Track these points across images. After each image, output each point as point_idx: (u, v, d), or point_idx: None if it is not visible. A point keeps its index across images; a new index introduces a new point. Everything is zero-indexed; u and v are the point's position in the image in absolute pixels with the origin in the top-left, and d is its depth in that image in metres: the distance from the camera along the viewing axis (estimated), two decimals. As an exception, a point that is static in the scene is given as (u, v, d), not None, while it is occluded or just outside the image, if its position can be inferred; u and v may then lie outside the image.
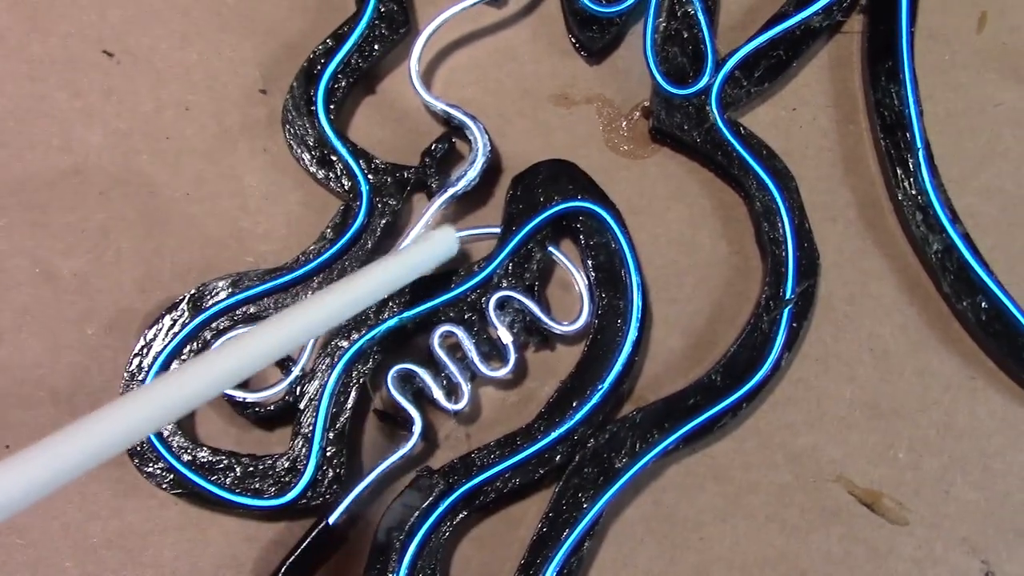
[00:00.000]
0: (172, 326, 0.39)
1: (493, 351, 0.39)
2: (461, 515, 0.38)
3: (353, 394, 0.39)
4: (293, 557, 0.37)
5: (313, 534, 0.37)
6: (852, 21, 0.44)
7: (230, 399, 0.38)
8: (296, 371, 0.39)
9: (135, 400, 0.27)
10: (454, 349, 0.39)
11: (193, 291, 0.39)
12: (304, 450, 0.38)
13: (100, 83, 0.43)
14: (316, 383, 0.39)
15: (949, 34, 0.44)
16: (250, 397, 0.38)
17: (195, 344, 0.39)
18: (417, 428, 0.38)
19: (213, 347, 0.38)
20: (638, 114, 0.43)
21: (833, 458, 0.40)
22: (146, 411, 0.27)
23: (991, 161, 0.42)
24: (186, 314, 0.39)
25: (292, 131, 0.41)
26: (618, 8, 0.42)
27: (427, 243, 0.35)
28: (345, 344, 0.39)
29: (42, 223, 0.41)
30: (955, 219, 0.41)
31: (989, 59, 0.43)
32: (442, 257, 0.35)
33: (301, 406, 0.38)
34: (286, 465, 0.38)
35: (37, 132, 0.42)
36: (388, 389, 0.39)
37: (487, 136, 0.41)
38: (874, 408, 0.40)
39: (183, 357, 0.39)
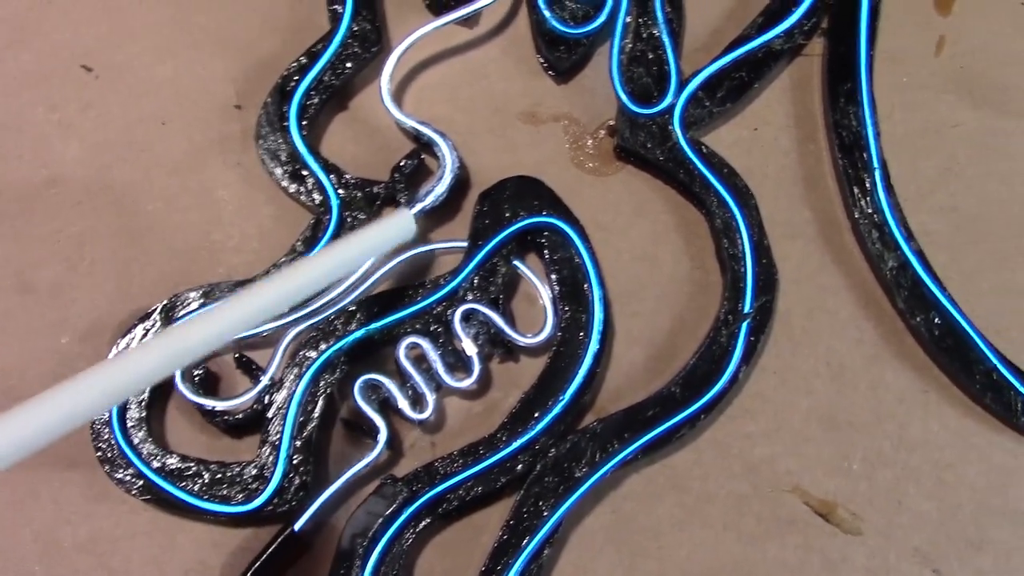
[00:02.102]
0: (144, 336, 0.40)
1: (458, 362, 0.40)
2: (424, 522, 0.39)
3: (320, 403, 0.39)
4: (259, 563, 0.37)
5: (279, 540, 0.38)
6: (813, 44, 0.45)
7: (200, 407, 0.39)
8: (265, 380, 0.39)
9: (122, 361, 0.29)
10: (420, 360, 0.40)
11: (165, 301, 0.40)
12: (271, 458, 0.39)
13: (77, 97, 0.43)
14: (284, 392, 0.39)
15: (908, 57, 0.45)
16: (219, 405, 0.39)
17: (166, 353, 0.40)
18: (382, 437, 0.39)
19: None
20: (603, 132, 0.44)
21: (789, 469, 0.41)
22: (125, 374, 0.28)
23: (946, 181, 0.44)
24: (158, 324, 0.40)
25: (265, 146, 0.42)
26: (585, 29, 0.43)
27: (385, 224, 0.36)
28: (313, 354, 0.40)
29: (18, 234, 0.42)
30: (910, 237, 0.42)
31: (947, 81, 0.45)
32: (400, 238, 0.36)
33: (269, 415, 0.39)
34: (254, 472, 0.39)
35: (13, 145, 0.43)
36: (354, 399, 0.39)
37: (456, 153, 0.42)
38: (830, 420, 0.41)
39: (154, 366, 0.39)
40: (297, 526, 0.38)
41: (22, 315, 0.41)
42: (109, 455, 0.39)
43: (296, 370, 0.40)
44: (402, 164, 0.42)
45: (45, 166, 0.43)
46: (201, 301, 0.40)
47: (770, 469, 0.41)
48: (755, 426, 0.41)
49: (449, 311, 0.40)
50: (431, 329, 0.40)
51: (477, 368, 0.40)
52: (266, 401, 0.39)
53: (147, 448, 0.39)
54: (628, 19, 0.44)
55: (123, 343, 0.40)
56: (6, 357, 0.41)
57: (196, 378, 0.39)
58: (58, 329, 0.41)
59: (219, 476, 0.39)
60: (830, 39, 0.45)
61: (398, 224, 0.36)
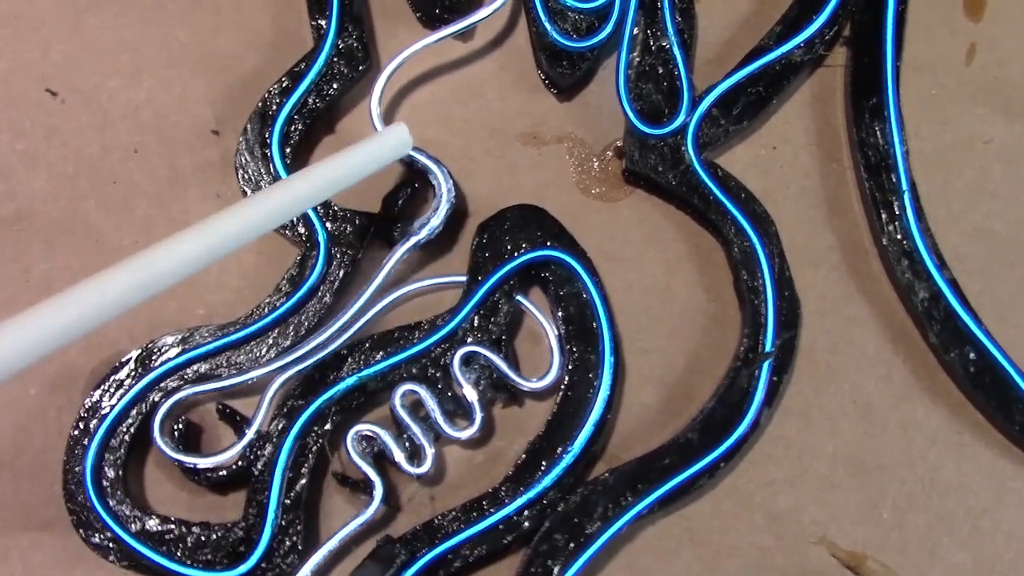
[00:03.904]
0: (119, 386, 0.37)
1: (458, 409, 0.38)
2: (425, 585, 0.36)
3: (310, 457, 0.37)
4: (247, 632, 0.35)
5: (268, 607, 0.35)
6: (835, 54, 0.42)
7: (180, 464, 0.36)
8: (250, 433, 0.37)
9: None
10: (417, 407, 0.37)
11: (141, 349, 0.37)
12: (259, 518, 0.36)
13: (43, 123, 0.40)
14: (271, 446, 0.37)
15: (936, 66, 0.42)
16: (201, 463, 0.36)
17: (143, 406, 0.37)
18: (378, 493, 0.36)
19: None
20: (611, 154, 0.41)
21: (815, 518, 0.38)
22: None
23: (979, 200, 0.41)
24: (134, 373, 0.37)
25: (246, 175, 0.39)
26: (590, 42, 0.40)
27: (381, 137, 0.33)
28: (302, 404, 0.37)
29: (-23, 274, 0.39)
30: (942, 265, 0.39)
31: (978, 93, 0.42)
32: (396, 153, 0.33)
33: (256, 470, 0.36)
34: (240, 535, 0.36)
35: (-25, 176, 0.40)
36: (347, 452, 0.37)
37: (452, 181, 0.38)
38: (858, 464, 0.38)
39: (129, 420, 0.37)
40: (288, 591, 0.36)
41: (-12, 364, 0.38)
42: (84, 518, 0.36)
43: (284, 421, 0.37)
44: (394, 194, 0.39)
45: (11, 199, 0.40)
46: (180, 348, 0.37)
47: (794, 519, 0.38)
48: (778, 472, 0.38)
49: (448, 354, 0.37)
50: (428, 374, 0.37)
51: (479, 416, 0.37)
52: (252, 456, 0.37)
53: (124, 510, 0.36)
54: (635, 30, 0.40)
55: (96, 394, 0.37)
56: (-27, 411, 0.38)
57: (176, 432, 0.37)
58: (26, 378, 0.38)
59: (203, 539, 0.36)
60: (853, 48, 0.41)
61: (394, 137, 0.33)
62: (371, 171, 0.32)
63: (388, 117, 0.40)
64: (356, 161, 0.31)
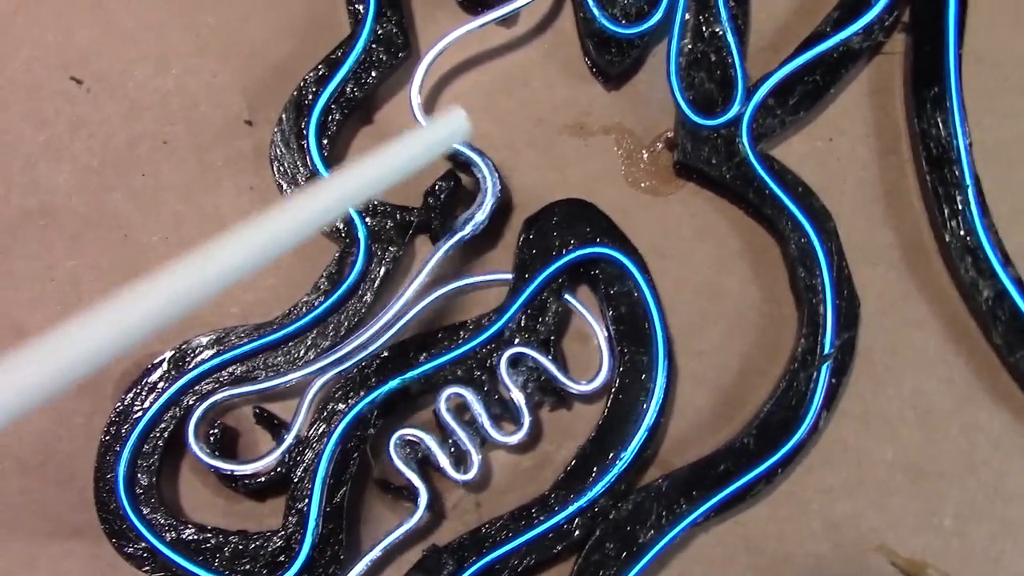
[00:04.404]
0: (152, 388, 0.35)
1: (505, 413, 0.36)
2: (472, 596, 0.35)
3: (352, 463, 0.35)
4: (288, 646, 0.34)
5: (310, 620, 0.34)
6: (894, 41, 0.40)
7: (217, 471, 0.35)
8: (289, 438, 0.35)
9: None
10: (462, 410, 0.36)
11: (174, 350, 0.36)
12: (299, 527, 0.35)
13: (68, 114, 0.39)
14: (311, 452, 0.35)
15: (999, 57, 0.40)
16: (239, 469, 0.35)
17: (177, 409, 0.35)
18: (423, 500, 0.35)
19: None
20: (661, 145, 0.39)
21: (874, 526, 0.37)
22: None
23: (1044, 195, 0.39)
24: (167, 376, 0.35)
25: (281, 168, 0.37)
26: (639, 28, 0.38)
27: (437, 125, 0.32)
28: (343, 408, 0.35)
29: (5, 271, 0.37)
30: (1007, 262, 0.37)
31: (1041, 84, 0.40)
32: (453, 140, 0.32)
33: (295, 477, 0.35)
34: (279, 544, 0.35)
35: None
36: (390, 457, 0.35)
37: (496, 174, 0.37)
38: (918, 470, 0.37)
39: (163, 425, 0.35)
40: (330, 602, 0.34)
41: (13, 364, 0.37)
42: (117, 527, 0.34)
43: (324, 426, 0.35)
44: (436, 188, 0.37)
45: (34, 193, 0.38)
46: (214, 349, 0.36)
47: (853, 526, 0.37)
48: (835, 478, 0.37)
49: (494, 355, 0.36)
50: (474, 376, 0.36)
51: (527, 420, 0.35)
52: (291, 462, 0.35)
53: (159, 518, 0.35)
54: (687, 16, 0.39)
55: (127, 398, 0.35)
56: None
57: (212, 438, 0.35)
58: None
59: (240, 548, 0.35)
60: (913, 36, 0.40)
61: (451, 124, 0.32)
62: (427, 160, 0.31)
63: (428, 107, 0.38)
64: (411, 150, 0.30)
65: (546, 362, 0.36)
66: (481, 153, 0.37)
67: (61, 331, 0.23)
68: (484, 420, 0.35)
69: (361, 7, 0.38)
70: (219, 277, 0.26)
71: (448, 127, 0.31)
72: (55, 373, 0.23)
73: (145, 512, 0.34)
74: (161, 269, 0.25)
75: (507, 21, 0.39)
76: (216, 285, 0.26)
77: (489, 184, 0.37)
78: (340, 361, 0.36)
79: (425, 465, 0.36)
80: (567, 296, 0.37)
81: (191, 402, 0.35)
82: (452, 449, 0.35)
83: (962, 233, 0.37)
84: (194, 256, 0.25)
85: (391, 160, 0.29)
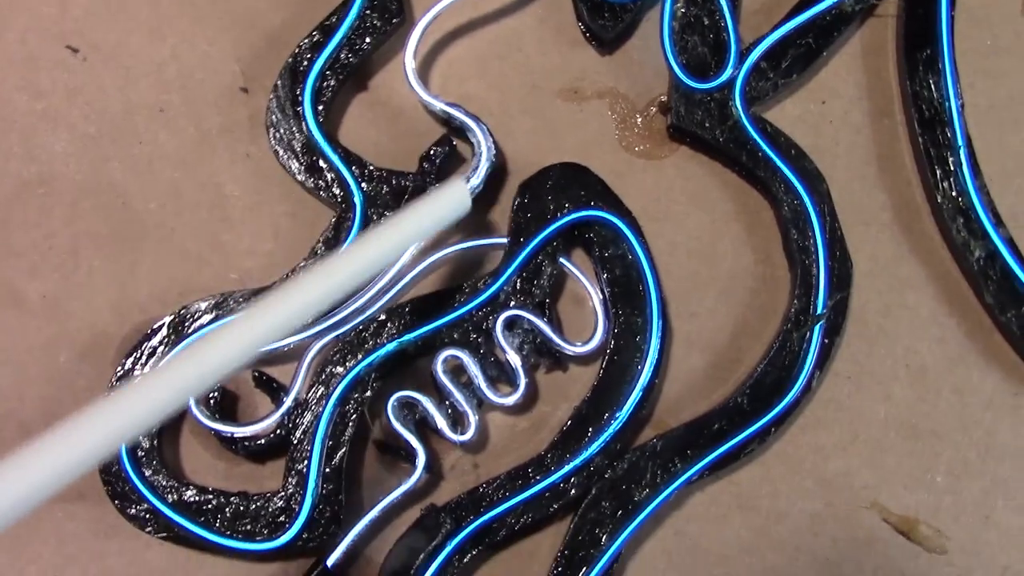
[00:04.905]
0: (153, 353, 0.36)
1: (501, 375, 0.36)
2: (470, 555, 0.35)
3: (351, 425, 0.36)
4: (290, 604, 0.34)
5: (311, 578, 0.34)
6: (887, 3, 0.40)
7: (217, 433, 0.35)
8: (288, 401, 0.35)
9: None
10: (459, 372, 0.36)
11: (174, 314, 0.36)
12: (299, 488, 0.35)
13: (64, 82, 0.39)
14: (310, 414, 0.35)
15: (991, 18, 0.40)
16: (239, 432, 0.35)
17: (177, 374, 0.36)
18: (421, 461, 0.35)
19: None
20: (654, 109, 0.39)
21: (867, 483, 0.37)
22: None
23: (1035, 156, 0.39)
24: (168, 340, 0.36)
25: (277, 135, 0.37)
26: (633, -7, 0.38)
27: (437, 198, 0.33)
28: (341, 371, 0.36)
29: (4, 240, 0.38)
30: (998, 223, 0.38)
31: (1034, 44, 0.40)
32: (454, 215, 0.32)
33: (294, 439, 0.35)
34: (280, 504, 0.35)
35: (-3, 138, 0.38)
36: (388, 419, 0.36)
37: (491, 139, 0.37)
38: (911, 428, 0.37)
39: (164, 389, 0.35)
40: (330, 561, 0.35)
41: (15, 331, 0.37)
42: (120, 490, 0.35)
43: (322, 388, 0.36)
44: (431, 153, 0.37)
45: (32, 162, 0.38)
46: (213, 313, 0.36)
47: (846, 484, 0.37)
48: (828, 437, 0.37)
49: (490, 318, 0.36)
50: (470, 339, 0.36)
51: (523, 381, 0.36)
52: (291, 424, 0.35)
53: (161, 480, 0.35)
54: (680, -20, 0.39)
55: (128, 362, 0.36)
56: (1, 378, 0.37)
57: (212, 401, 0.35)
58: (55, 346, 0.37)
59: (242, 509, 0.35)
60: (906, -2, 0.40)
61: (451, 198, 0.32)
62: (429, 235, 0.32)
63: (423, 73, 0.39)
64: (411, 228, 0.31)
65: (542, 324, 0.36)
66: (476, 118, 0.37)
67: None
68: (481, 382, 0.36)
69: (355, -27, 0.38)
70: (231, 364, 0.26)
71: (449, 201, 0.32)
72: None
73: (147, 474, 0.35)
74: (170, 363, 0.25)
75: (501, -14, 0.39)
76: (228, 372, 0.26)
77: (484, 149, 0.37)
78: (338, 325, 0.36)
79: (423, 426, 0.36)
80: (562, 259, 0.37)
81: (191, 366, 0.36)
82: (449, 411, 0.36)
83: (954, 194, 0.38)
84: (208, 343, 0.26)
85: (392, 238, 0.30)
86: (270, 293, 0.29)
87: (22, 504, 0.25)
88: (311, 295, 0.29)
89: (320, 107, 0.37)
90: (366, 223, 0.37)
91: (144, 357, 0.36)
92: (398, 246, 0.32)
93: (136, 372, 0.35)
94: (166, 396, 0.26)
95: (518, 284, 0.37)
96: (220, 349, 0.27)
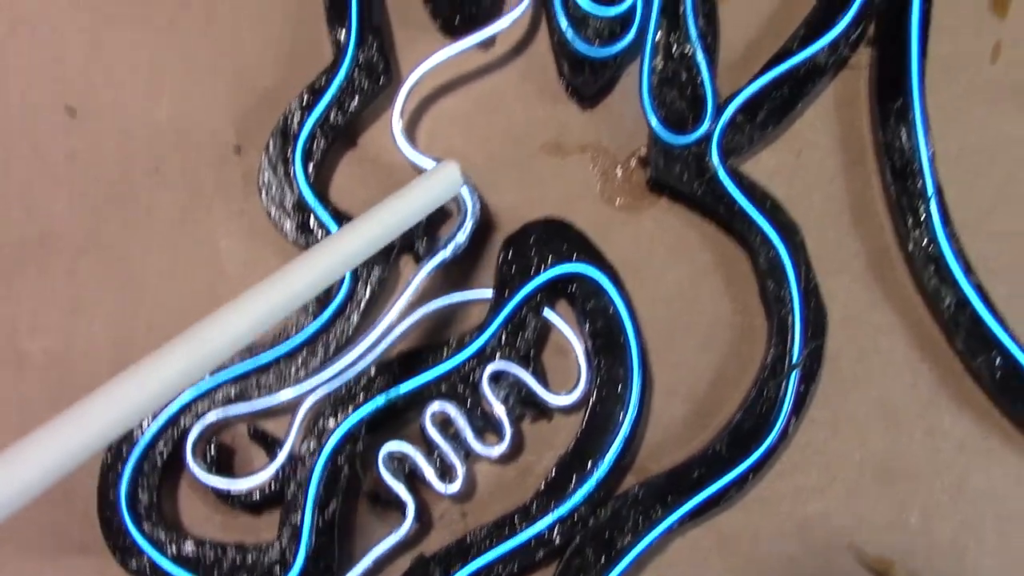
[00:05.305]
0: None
1: (487, 426, 0.38)
2: (459, 602, 0.36)
3: (342, 477, 0.37)
4: (286, 652, 0.35)
5: (306, 627, 0.36)
6: (859, 54, 0.41)
7: (214, 489, 0.36)
8: (282, 456, 0.37)
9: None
10: (446, 424, 0.38)
11: (170, 372, 0.37)
12: (293, 540, 0.36)
13: (62, 142, 0.40)
14: (303, 467, 0.37)
15: (962, 65, 0.41)
16: (234, 488, 0.36)
17: (175, 429, 0.37)
18: (411, 512, 0.37)
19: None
20: (635, 163, 0.41)
21: (843, 525, 0.38)
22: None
23: (1005, 202, 0.40)
24: (164, 397, 0.37)
25: (270, 195, 0.39)
26: (612, 50, 0.39)
27: (430, 178, 0.34)
28: (332, 424, 0.37)
29: (6, 298, 0.39)
30: (968, 270, 0.39)
31: (1003, 91, 0.41)
32: (447, 193, 0.33)
33: (289, 492, 0.37)
34: (275, 556, 0.36)
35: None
36: (379, 471, 0.37)
37: (476, 196, 0.38)
38: (885, 471, 0.39)
39: (160, 446, 0.37)
40: (324, 610, 0.36)
41: (17, 387, 0.38)
42: (120, 543, 0.36)
43: (315, 442, 0.37)
44: (418, 210, 0.38)
45: (33, 221, 0.40)
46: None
47: (823, 526, 0.38)
48: (806, 480, 0.39)
49: (476, 371, 0.37)
50: (458, 391, 0.38)
51: (509, 433, 0.37)
52: (284, 478, 0.37)
53: (160, 534, 0.36)
54: (658, 37, 0.40)
55: (128, 418, 0.37)
56: (3, 438, 0.38)
57: (208, 456, 0.37)
58: (57, 403, 0.38)
59: (238, 561, 0.36)
60: (878, 49, 0.41)
61: (443, 177, 0.33)
62: (423, 215, 0.32)
63: (410, 130, 0.40)
64: (406, 206, 0.31)
65: (527, 377, 0.37)
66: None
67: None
68: (468, 434, 0.37)
69: (343, 34, 0.39)
70: (222, 349, 0.27)
71: (441, 180, 0.32)
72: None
73: (146, 528, 0.36)
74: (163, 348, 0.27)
75: (485, 44, 0.40)
76: (219, 357, 0.27)
77: (469, 207, 0.38)
78: (330, 380, 0.37)
79: (412, 478, 0.37)
80: (546, 311, 0.39)
81: (188, 422, 0.37)
82: (438, 462, 0.37)
83: (925, 243, 0.39)
84: (202, 327, 0.27)
85: (387, 218, 0.31)
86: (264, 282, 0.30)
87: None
88: (308, 276, 0.30)
89: (310, 166, 0.39)
90: (356, 280, 0.38)
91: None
92: (394, 226, 0.32)
93: (135, 429, 0.37)
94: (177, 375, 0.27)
95: (503, 337, 0.38)
96: (230, 324, 0.28)
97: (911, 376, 0.39)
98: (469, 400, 0.38)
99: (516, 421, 0.38)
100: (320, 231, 0.38)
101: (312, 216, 0.38)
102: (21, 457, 0.25)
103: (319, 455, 0.37)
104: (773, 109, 0.40)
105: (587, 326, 0.38)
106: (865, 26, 0.40)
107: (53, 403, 0.38)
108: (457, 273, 0.39)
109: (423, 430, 0.37)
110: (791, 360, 0.38)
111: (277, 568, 0.36)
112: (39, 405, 0.38)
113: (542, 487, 0.37)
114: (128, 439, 0.37)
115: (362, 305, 0.38)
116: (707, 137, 0.39)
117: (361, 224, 0.30)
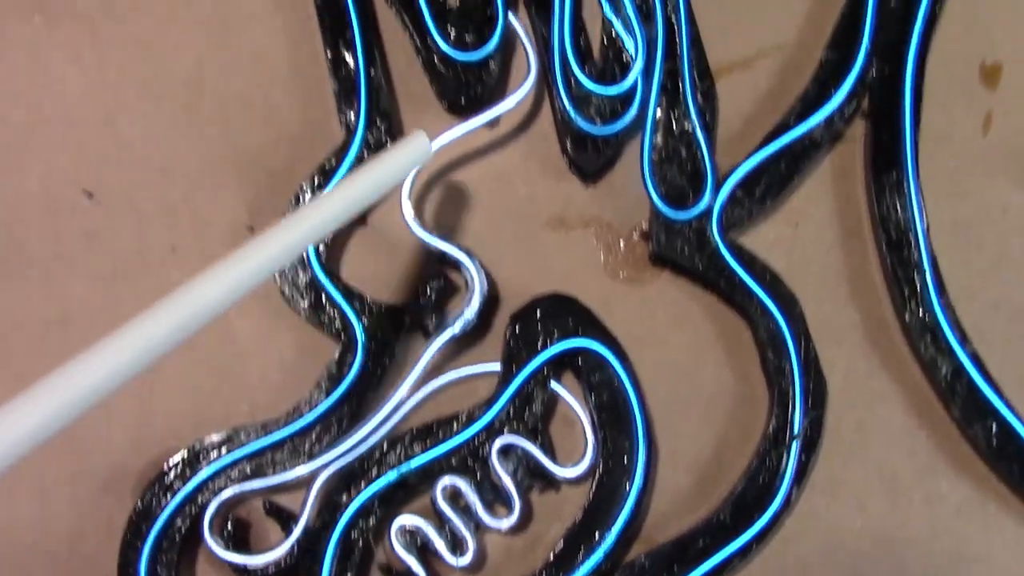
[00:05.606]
0: (169, 488, 0.38)
1: (497, 498, 0.39)
2: (471, 674, 0.37)
3: (356, 551, 0.38)
4: None
5: None
6: (855, 127, 0.42)
7: (232, 564, 0.37)
8: (297, 531, 0.38)
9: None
10: (457, 496, 0.39)
11: (187, 449, 0.38)
12: (309, 614, 0.37)
13: (80, 225, 0.41)
14: (318, 541, 0.38)
15: (954, 137, 0.42)
16: (251, 563, 0.37)
17: (192, 507, 0.38)
18: (423, 584, 0.38)
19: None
20: (637, 237, 0.42)
21: (845, 591, 0.39)
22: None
23: (999, 271, 0.41)
24: (182, 474, 0.38)
25: (283, 273, 0.40)
26: (613, 128, 0.41)
27: (400, 149, 0.34)
28: (346, 499, 0.38)
29: (26, 376, 0.40)
30: (964, 340, 0.40)
31: (995, 162, 0.42)
32: (417, 162, 0.34)
33: (304, 567, 0.38)
34: (291, 632, 0.37)
35: (17, 280, 0.41)
36: (392, 544, 0.38)
37: (483, 273, 0.39)
38: (885, 537, 0.39)
39: (178, 523, 0.38)
40: None
41: (39, 465, 0.39)
42: (139, 621, 0.37)
43: (329, 516, 0.38)
44: (427, 287, 0.40)
45: (51, 303, 0.41)
46: (225, 448, 0.38)
47: (825, 593, 0.39)
48: (807, 548, 0.39)
49: (486, 446, 0.38)
50: (468, 465, 0.39)
51: (518, 505, 0.38)
52: (300, 552, 0.38)
53: (178, 611, 0.37)
54: (658, 114, 0.41)
55: (147, 496, 0.38)
56: (25, 512, 0.39)
57: (225, 531, 0.38)
58: (77, 480, 0.39)
59: (255, 638, 0.37)
60: (872, 123, 0.42)
61: (413, 146, 0.34)
62: (395, 183, 0.33)
63: (418, 207, 0.41)
64: (378, 175, 0.32)
65: (535, 450, 0.38)
66: (469, 253, 0.40)
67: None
68: (478, 508, 0.38)
69: (352, 116, 0.40)
70: (203, 313, 0.28)
71: (411, 150, 0.33)
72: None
73: (164, 609, 0.37)
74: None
75: (490, 123, 0.41)
76: (201, 321, 0.28)
77: (477, 284, 0.39)
78: (343, 455, 0.38)
79: (424, 551, 0.38)
80: (553, 383, 0.40)
81: (205, 498, 0.38)
82: (449, 535, 0.38)
83: (921, 313, 0.40)
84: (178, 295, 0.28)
85: (359, 187, 0.32)
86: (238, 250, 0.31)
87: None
88: (287, 239, 0.30)
89: (322, 245, 0.40)
90: (367, 357, 0.39)
91: (161, 491, 0.38)
92: (368, 194, 0.33)
93: (154, 506, 0.38)
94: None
95: (511, 411, 0.39)
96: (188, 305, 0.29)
97: (910, 442, 0.40)
98: (479, 473, 0.39)
99: (525, 493, 0.39)
100: (332, 309, 0.39)
101: (324, 294, 0.39)
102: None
103: (333, 529, 0.38)
104: (771, 183, 0.41)
105: (593, 399, 0.39)
106: (859, 100, 0.42)
107: (73, 480, 0.39)
108: (466, 345, 0.41)
109: (434, 504, 0.38)
110: (792, 430, 0.39)
111: (293, 643, 0.37)
112: (59, 480, 0.39)
113: (551, 558, 0.38)
114: (147, 515, 0.38)
115: (373, 381, 0.39)
116: (707, 212, 0.41)
117: (337, 191, 0.31)
